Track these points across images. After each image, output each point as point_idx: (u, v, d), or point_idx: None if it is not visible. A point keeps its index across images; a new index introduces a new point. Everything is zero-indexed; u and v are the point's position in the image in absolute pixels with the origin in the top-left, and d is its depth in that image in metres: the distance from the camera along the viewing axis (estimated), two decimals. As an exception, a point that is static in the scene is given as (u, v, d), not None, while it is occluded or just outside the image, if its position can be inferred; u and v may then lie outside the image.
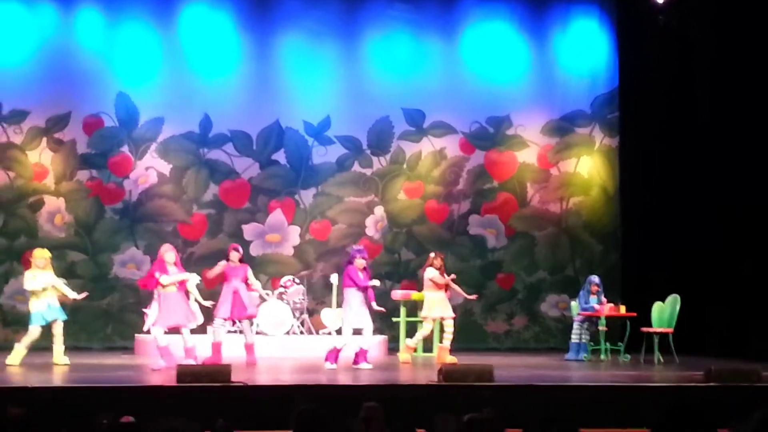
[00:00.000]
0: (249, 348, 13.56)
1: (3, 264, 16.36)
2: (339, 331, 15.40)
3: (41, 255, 13.35)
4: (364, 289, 13.53)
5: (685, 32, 17.03)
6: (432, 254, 14.87)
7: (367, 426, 6.12)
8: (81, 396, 9.85)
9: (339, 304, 15.50)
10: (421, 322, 15.35)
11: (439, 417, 6.05)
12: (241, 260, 13.98)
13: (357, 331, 14.01)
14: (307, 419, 6.00)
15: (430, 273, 14.52)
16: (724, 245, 15.90)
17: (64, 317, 13.29)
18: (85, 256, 16.44)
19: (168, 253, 13.37)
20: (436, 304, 14.53)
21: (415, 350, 14.79)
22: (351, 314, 13.44)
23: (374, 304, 14.02)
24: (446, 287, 14.76)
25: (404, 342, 14.82)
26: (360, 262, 13.57)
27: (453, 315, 14.70)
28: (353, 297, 13.48)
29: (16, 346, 13.18)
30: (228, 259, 13.85)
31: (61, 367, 12.84)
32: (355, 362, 13.32)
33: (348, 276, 13.57)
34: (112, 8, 16.96)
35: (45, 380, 11.34)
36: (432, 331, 15.04)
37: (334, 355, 13.34)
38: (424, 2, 17.85)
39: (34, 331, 13.17)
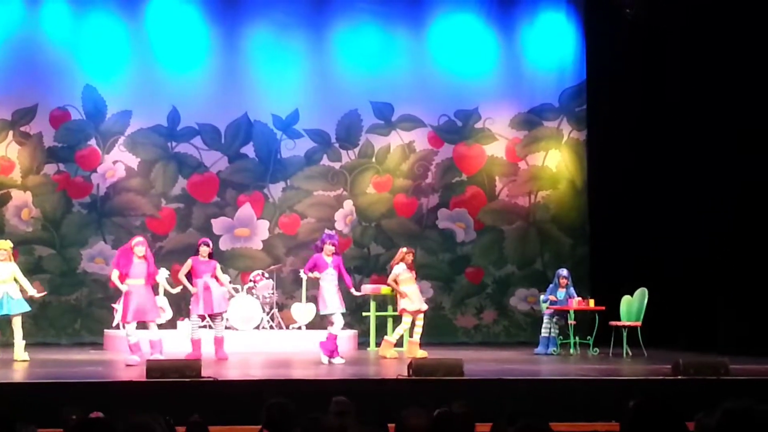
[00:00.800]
0: (219, 342, 13.56)
1: None
2: (308, 326, 15.66)
3: (1, 246, 13.30)
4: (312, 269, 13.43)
5: (653, 25, 17.06)
6: (404, 249, 14.80)
7: (339, 420, 6.10)
8: (49, 392, 9.79)
9: (309, 299, 15.67)
10: (390, 316, 15.45)
11: (409, 411, 5.85)
12: (210, 255, 13.98)
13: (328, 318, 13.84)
14: (277, 413, 6.12)
15: (397, 269, 14.41)
16: (692, 238, 16.01)
17: (24, 310, 13.17)
18: (53, 250, 16.44)
19: (138, 246, 13.35)
20: (415, 297, 14.48)
21: (396, 345, 14.65)
22: (325, 300, 13.29)
23: (353, 290, 14.06)
24: (392, 287, 14.71)
25: (386, 338, 14.66)
26: (329, 248, 13.55)
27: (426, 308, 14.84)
28: (326, 282, 13.36)
29: None
30: (197, 254, 13.86)
31: (20, 363, 12.73)
32: (327, 352, 13.16)
33: (311, 260, 13.55)
34: None
35: (6, 376, 11.22)
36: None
37: (331, 345, 13.25)
38: None
39: None
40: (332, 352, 13.16)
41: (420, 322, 14.48)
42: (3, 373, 11.58)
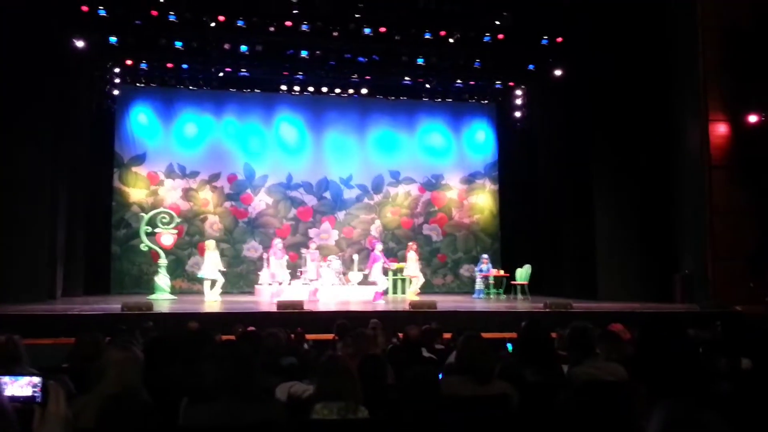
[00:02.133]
0: (315, 292, 13.62)
1: (186, 249, 16.41)
2: (359, 284, 15.21)
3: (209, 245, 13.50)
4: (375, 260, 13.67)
5: (531, 131, 17.18)
6: (412, 243, 15.01)
7: (373, 331, 5.95)
8: (228, 316, 9.93)
9: (359, 271, 15.58)
10: (401, 279, 15.70)
11: (409, 326, 6.15)
12: (317, 248, 14.46)
13: (372, 283, 14.23)
14: (341, 328, 6.28)
15: (413, 254, 14.49)
16: (551, 238, 15.92)
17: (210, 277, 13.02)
18: (229, 245, 16.52)
19: (277, 243, 14.01)
20: (418, 268, 14.54)
21: (419, 294, 14.20)
22: (374, 274, 13.70)
23: (391, 265, 14.49)
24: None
25: (409, 291, 14.42)
26: (378, 246, 14.19)
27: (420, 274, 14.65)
28: (375, 266, 13.74)
29: None
30: (308, 248, 14.49)
31: (212, 302, 12.48)
32: (375, 299, 13.51)
33: (372, 257, 13.92)
34: (242, 119, 17.18)
35: (202, 308, 11.18)
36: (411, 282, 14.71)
37: (379, 296, 13.49)
38: (400, 116, 17.80)
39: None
40: (378, 297, 13.50)
41: (417, 281, 14.51)
42: (205, 307, 11.60)
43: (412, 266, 14.16)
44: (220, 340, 5.77)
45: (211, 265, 13.27)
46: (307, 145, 17.71)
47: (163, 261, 14.01)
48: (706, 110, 12.82)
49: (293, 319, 9.56)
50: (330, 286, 14.34)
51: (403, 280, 15.69)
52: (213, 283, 13.26)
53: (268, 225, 17.26)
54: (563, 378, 3.98)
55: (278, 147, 17.55)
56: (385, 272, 14.36)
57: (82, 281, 14.65)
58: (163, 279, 13.84)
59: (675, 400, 1.93)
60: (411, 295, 13.75)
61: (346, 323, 6.38)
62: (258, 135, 17.46)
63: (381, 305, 12.58)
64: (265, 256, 16.02)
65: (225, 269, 14.03)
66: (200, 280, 16.06)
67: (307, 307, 10.56)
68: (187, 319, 8.05)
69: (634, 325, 5.63)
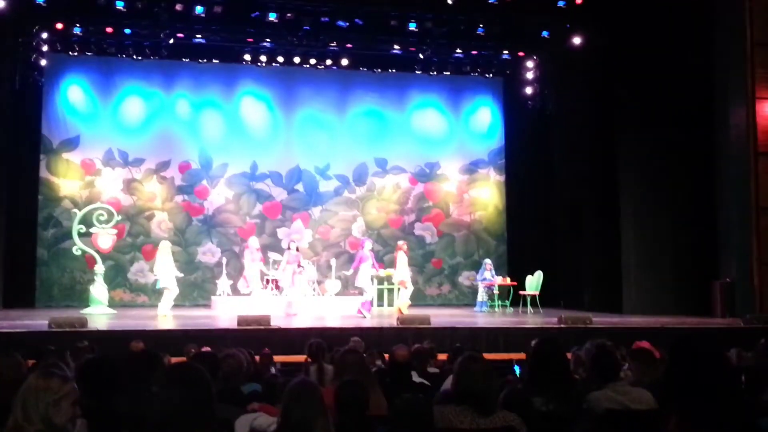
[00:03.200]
0: (289, 305, 13.75)
1: (129, 254, 16.52)
2: (336, 294, 15.52)
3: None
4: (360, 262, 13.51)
5: (544, 111, 17.48)
6: (402, 242, 14.58)
7: (366, 353, 6.11)
8: (177, 335, 10.05)
9: (337, 278, 15.98)
10: (388, 287, 15.72)
11: (397, 346, 5.99)
12: (297, 249, 14.34)
13: (353, 293, 14.45)
14: (316, 348, 6.35)
15: (403, 256, 14.02)
16: (568, 242, 16.28)
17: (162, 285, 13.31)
18: (180, 248, 16.46)
19: (253, 241, 13.97)
20: (408, 273, 14.20)
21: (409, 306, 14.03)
22: (361, 279, 13.48)
23: (381, 271, 14.22)
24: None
25: (398, 302, 14.18)
26: (368, 244, 13.98)
27: None
28: (363, 268, 13.52)
29: None
30: (288, 248, 14.26)
31: (162, 318, 12.73)
32: (362, 310, 13.22)
33: (359, 256, 13.73)
34: (196, 95, 17.25)
35: (152, 325, 11.38)
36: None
37: (368, 306, 13.34)
38: (387, 93, 17.98)
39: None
40: (367, 308, 13.30)
41: (406, 290, 14.04)
42: (151, 323, 11.75)
43: (402, 271, 14.00)
44: (169, 362, 5.79)
45: (168, 270, 13.39)
46: (276, 128, 17.86)
47: (99, 267, 14.23)
48: (753, 87, 13.06)
49: (258, 337, 9.73)
50: (302, 298, 14.46)
51: (391, 290, 15.87)
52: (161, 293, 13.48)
53: (227, 223, 17.38)
54: (581, 406, 4.03)
55: (241, 130, 17.67)
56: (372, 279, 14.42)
57: (0, 292, 14.61)
58: (99, 289, 14.08)
59: (710, 433, 1.88)
60: (402, 307, 13.73)
61: (321, 343, 6.51)
62: (216, 115, 17.58)
63: (366, 320, 12.72)
64: (224, 260, 16.33)
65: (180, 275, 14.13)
66: (145, 290, 16.29)
67: (274, 323, 10.66)
68: (129, 338, 8.28)
69: (664, 343, 5.71)
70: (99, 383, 3.67)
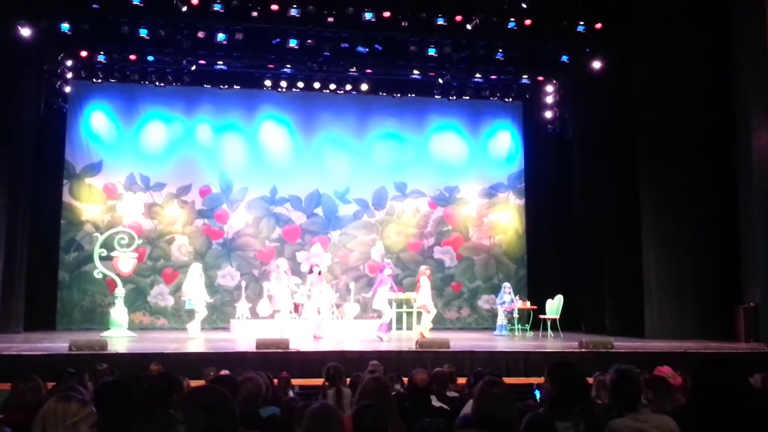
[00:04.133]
0: (318, 328, 13.71)
1: (149, 277, 16.72)
2: (355, 317, 15.54)
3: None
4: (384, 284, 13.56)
5: (564, 135, 17.48)
6: (425, 267, 14.44)
7: (372, 375, 5.83)
8: (196, 358, 10.13)
9: (356, 302, 16.04)
10: (407, 310, 15.66)
11: (416, 370, 5.95)
12: (319, 273, 14.24)
13: (371, 316, 14.61)
14: (334, 371, 6.44)
15: (426, 281, 13.92)
16: (588, 264, 16.18)
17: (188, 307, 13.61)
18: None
19: (282, 263, 13.87)
20: (430, 298, 14.05)
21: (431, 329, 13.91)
22: (378, 302, 13.51)
23: (399, 294, 14.48)
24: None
25: (419, 327, 14.09)
26: (387, 270, 14.05)
27: None
28: (381, 291, 13.57)
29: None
30: (311, 272, 14.21)
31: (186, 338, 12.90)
32: (379, 331, 13.27)
33: (380, 280, 13.78)
34: (217, 120, 17.43)
35: (169, 348, 11.17)
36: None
37: (384, 328, 13.36)
38: (406, 115, 18.06)
39: None
40: (384, 330, 13.31)
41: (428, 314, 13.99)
42: (170, 346, 11.58)
43: (425, 295, 13.91)
44: (188, 386, 6.00)
45: (198, 293, 13.48)
46: (296, 152, 18.00)
47: (120, 291, 14.20)
48: (775, 109, 12.89)
49: (276, 360, 9.75)
50: (325, 320, 14.45)
51: (410, 314, 15.86)
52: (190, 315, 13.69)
53: (247, 247, 17.48)
54: (602, 432, 3.96)
55: (261, 154, 17.85)
56: (390, 302, 14.46)
57: (22, 315, 14.64)
58: (120, 312, 14.09)
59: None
60: (424, 331, 13.60)
61: (339, 367, 6.54)
62: (237, 140, 17.76)
63: (384, 343, 12.72)
64: (243, 284, 16.36)
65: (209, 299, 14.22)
66: (165, 314, 16.32)
67: (293, 346, 10.69)
68: (148, 361, 8.32)
69: (687, 368, 5.68)
70: (117, 406, 3.66)
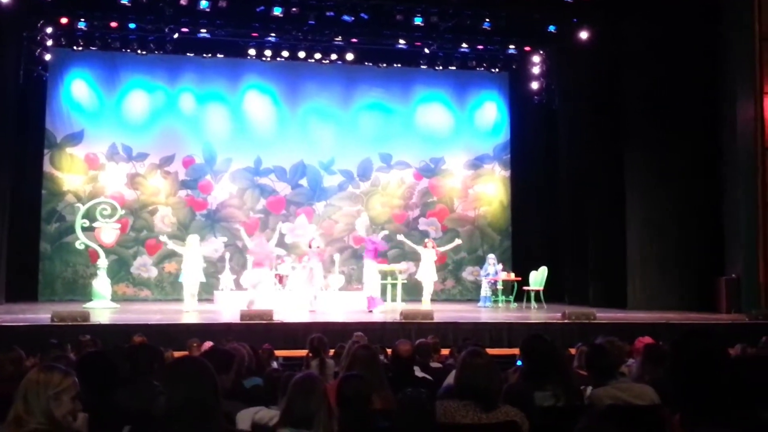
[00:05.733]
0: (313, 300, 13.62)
1: (132, 248, 16.68)
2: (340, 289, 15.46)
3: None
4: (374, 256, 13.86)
5: (550, 106, 17.55)
6: (428, 240, 14.99)
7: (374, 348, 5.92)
8: (179, 328, 10.04)
9: (339, 272, 15.98)
10: (391, 282, 15.44)
11: (399, 341, 5.89)
12: (318, 248, 13.81)
13: (355, 288, 14.63)
14: (318, 343, 6.48)
15: (431, 254, 14.40)
16: (573, 235, 16.31)
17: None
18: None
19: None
20: (434, 271, 14.52)
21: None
22: (369, 275, 13.78)
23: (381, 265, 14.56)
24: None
25: (424, 300, 14.40)
26: (371, 243, 14.16)
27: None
28: (369, 264, 13.88)
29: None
30: (310, 247, 13.86)
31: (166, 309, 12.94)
32: (371, 307, 13.42)
33: (368, 250, 14.01)
34: (201, 89, 17.31)
35: (151, 319, 11.11)
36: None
37: (375, 302, 13.52)
38: (392, 86, 18.01)
39: None
40: (375, 305, 13.52)
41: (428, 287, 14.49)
42: (153, 317, 11.53)
43: (428, 269, 14.15)
44: (172, 357, 6.13)
45: (191, 268, 13.15)
46: (280, 122, 17.96)
47: (102, 262, 14.08)
48: (761, 82, 13.07)
49: (259, 332, 9.80)
50: (318, 293, 14.26)
51: (394, 285, 15.84)
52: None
53: (231, 218, 17.43)
54: (583, 402, 4.07)
55: (245, 124, 17.80)
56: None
57: (3, 286, 14.57)
58: (102, 283, 13.91)
59: (713, 429, 1.99)
60: (425, 304, 13.80)
61: (323, 338, 6.54)
62: (220, 110, 17.68)
63: (369, 315, 12.82)
64: (227, 255, 16.19)
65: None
66: (148, 285, 16.44)
67: (276, 318, 10.72)
68: (131, 332, 8.31)
69: (668, 339, 5.68)
70: (100, 377, 3.67)
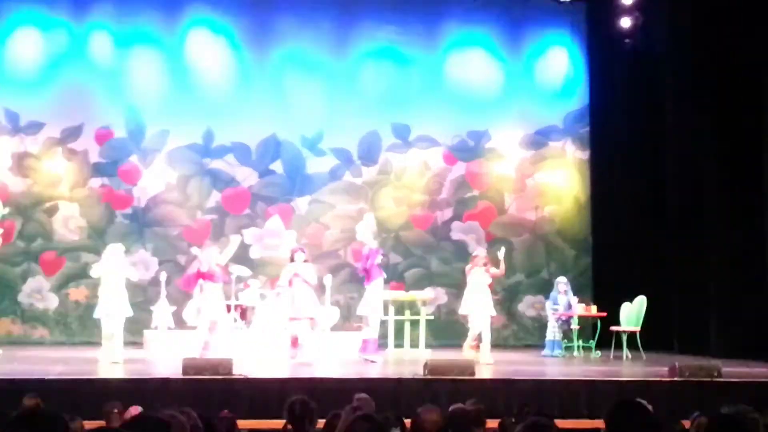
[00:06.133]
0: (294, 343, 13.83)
1: (20, 265, 16.71)
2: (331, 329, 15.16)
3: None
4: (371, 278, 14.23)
5: (650, 53, 17.66)
6: (477, 255, 14.98)
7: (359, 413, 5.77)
8: (92, 388, 10.34)
9: (333, 303, 15.69)
10: (408, 320, 15.73)
11: (424, 408, 6.15)
12: (306, 261, 14.09)
13: (356, 327, 14.82)
14: (300, 409, 6.35)
15: (482, 275, 14.55)
16: (686, 250, 16.37)
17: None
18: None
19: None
20: (490, 303, 14.60)
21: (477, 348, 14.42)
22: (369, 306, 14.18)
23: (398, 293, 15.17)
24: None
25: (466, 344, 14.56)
26: (379, 257, 14.59)
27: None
28: (374, 285, 14.27)
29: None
30: (292, 260, 14.07)
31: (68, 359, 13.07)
32: (363, 351, 13.88)
33: (361, 270, 14.51)
34: (121, 27, 17.33)
35: (52, 372, 11.43)
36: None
37: (373, 346, 13.99)
38: (410, 22, 18.14)
39: None
40: (371, 350, 13.94)
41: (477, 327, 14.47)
42: (52, 369, 11.80)
43: (480, 299, 14.39)
44: (80, 429, 6.22)
45: (117, 292, 13.48)
46: (242, 78, 18.06)
47: (-23, 285, 14.16)
48: None
49: (213, 391, 10.13)
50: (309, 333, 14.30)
51: (414, 323, 15.93)
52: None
53: (168, 221, 17.58)
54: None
55: (188, 80, 17.88)
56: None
57: None
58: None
59: None
60: (484, 356, 14.03)
61: (308, 401, 6.51)
62: (151, 58, 17.72)
63: (368, 367, 13.15)
64: (163, 276, 15.79)
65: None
66: (45, 320, 16.63)
67: (238, 370, 10.86)
68: (20, 392, 8.29)
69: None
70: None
